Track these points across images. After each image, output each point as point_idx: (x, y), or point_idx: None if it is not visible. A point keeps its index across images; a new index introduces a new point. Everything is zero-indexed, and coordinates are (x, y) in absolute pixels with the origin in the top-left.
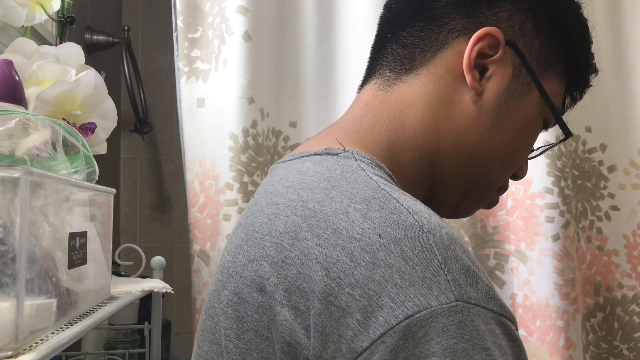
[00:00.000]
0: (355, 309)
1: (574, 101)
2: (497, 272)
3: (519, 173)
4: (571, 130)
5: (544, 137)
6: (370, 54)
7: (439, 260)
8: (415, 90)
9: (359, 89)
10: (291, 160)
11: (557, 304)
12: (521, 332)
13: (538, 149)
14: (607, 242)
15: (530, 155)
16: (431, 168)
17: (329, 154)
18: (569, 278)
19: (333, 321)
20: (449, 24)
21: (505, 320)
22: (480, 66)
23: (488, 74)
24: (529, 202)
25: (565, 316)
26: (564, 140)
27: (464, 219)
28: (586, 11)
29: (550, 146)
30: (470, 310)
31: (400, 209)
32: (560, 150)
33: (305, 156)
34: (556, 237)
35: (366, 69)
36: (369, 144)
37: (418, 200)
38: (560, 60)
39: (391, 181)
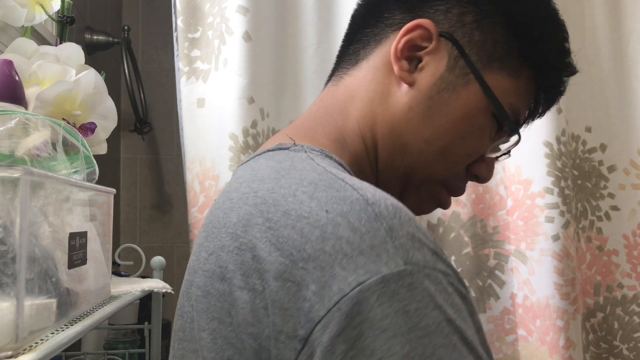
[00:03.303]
0: (310, 281)
1: (548, 105)
2: (497, 272)
3: (478, 173)
4: (571, 131)
5: (544, 138)
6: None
7: (385, 228)
8: (357, 82)
9: None
10: (248, 161)
11: (557, 304)
12: (521, 332)
13: (507, 149)
14: (607, 242)
15: (495, 155)
16: (373, 158)
17: (280, 149)
18: (569, 278)
19: (290, 296)
20: (388, 19)
21: (453, 280)
22: (416, 58)
23: (421, 65)
24: (529, 202)
25: (565, 316)
26: (517, 143)
27: (464, 219)
28: (587, 11)
29: (510, 147)
30: (420, 273)
31: (345, 187)
32: (560, 150)
33: (259, 154)
34: (556, 237)
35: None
36: (320, 137)
37: (366, 182)
38: (511, 54)
39: (342, 169)
